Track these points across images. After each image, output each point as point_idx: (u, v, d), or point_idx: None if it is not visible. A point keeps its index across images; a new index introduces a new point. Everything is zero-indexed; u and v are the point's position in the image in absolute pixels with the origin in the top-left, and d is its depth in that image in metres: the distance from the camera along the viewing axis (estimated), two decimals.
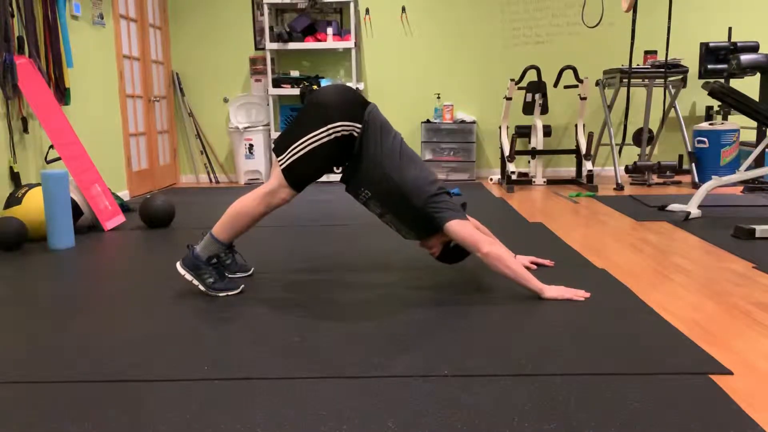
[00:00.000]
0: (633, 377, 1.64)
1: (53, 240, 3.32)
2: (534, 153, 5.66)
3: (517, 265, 2.31)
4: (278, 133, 6.15)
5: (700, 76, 5.83)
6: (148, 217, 3.87)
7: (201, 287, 2.40)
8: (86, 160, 3.99)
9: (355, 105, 2.38)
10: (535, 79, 5.62)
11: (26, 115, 3.89)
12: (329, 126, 2.32)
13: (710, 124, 5.59)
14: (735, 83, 5.75)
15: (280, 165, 2.36)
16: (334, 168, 2.48)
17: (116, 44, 5.19)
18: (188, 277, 2.40)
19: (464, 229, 2.33)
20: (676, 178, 5.76)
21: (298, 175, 2.37)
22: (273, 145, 2.42)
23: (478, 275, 2.67)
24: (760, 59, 4.88)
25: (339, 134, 2.33)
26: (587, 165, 5.37)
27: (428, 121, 6.19)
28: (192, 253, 2.40)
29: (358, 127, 2.35)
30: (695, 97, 6.20)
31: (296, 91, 6.01)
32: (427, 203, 2.35)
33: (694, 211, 3.84)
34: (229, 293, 2.42)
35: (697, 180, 5.42)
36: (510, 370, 1.69)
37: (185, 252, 2.44)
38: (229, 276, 2.63)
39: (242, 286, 2.47)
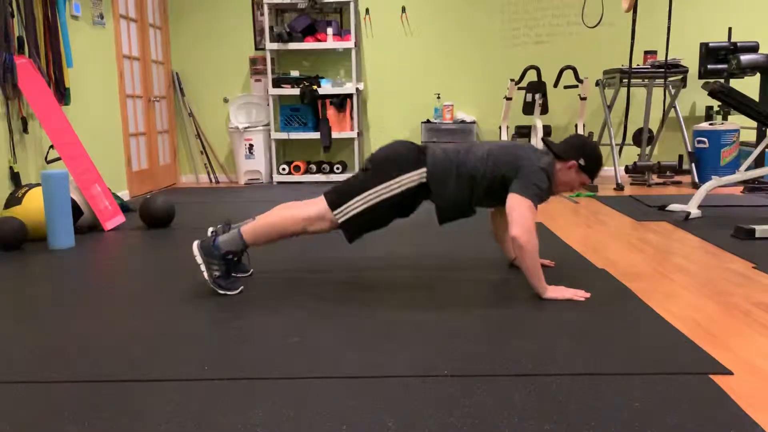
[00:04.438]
0: (633, 377, 1.64)
1: (53, 240, 3.32)
2: None
3: (533, 262, 2.29)
4: (278, 133, 6.18)
5: (700, 76, 5.83)
6: (148, 217, 3.87)
7: (205, 275, 2.39)
8: (86, 160, 3.99)
9: (415, 153, 2.42)
10: (535, 79, 5.62)
11: (26, 115, 3.89)
12: (398, 178, 2.37)
13: (710, 124, 5.59)
14: (735, 83, 5.74)
15: (338, 218, 2.39)
16: (398, 218, 2.50)
17: (116, 44, 5.19)
18: (199, 260, 2.38)
19: (518, 205, 2.30)
20: (676, 178, 5.76)
21: (360, 227, 2.42)
22: (327, 197, 2.43)
23: (478, 275, 2.68)
24: (760, 59, 4.88)
25: (405, 187, 2.38)
26: None
27: (428, 121, 6.19)
28: (213, 241, 2.40)
29: (424, 173, 2.39)
30: (695, 97, 6.20)
31: (296, 91, 6.01)
32: (517, 172, 2.35)
33: (694, 211, 3.84)
34: (229, 293, 2.41)
35: (697, 180, 5.42)
36: (510, 370, 1.69)
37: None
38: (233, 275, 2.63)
39: (242, 287, 2.47)
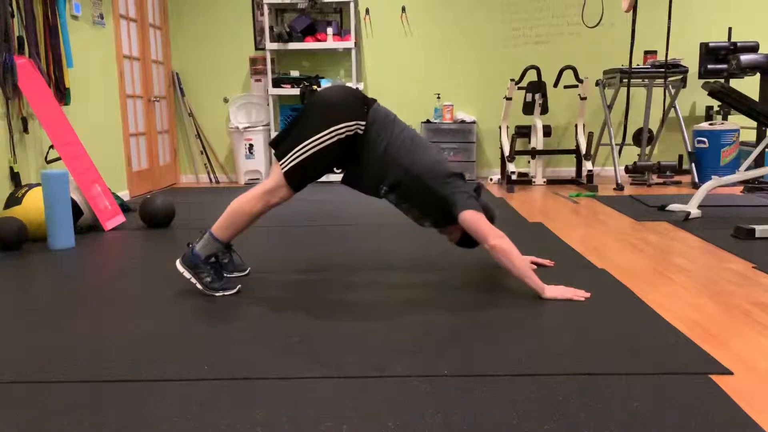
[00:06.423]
0: (633, 377, 1.64)
1: (53, 240, 3.32)
2: (534, 153, 5.66)
3: (521, 261, 2.31)
4: (277, 133, 6.17)
5: (700, 76, 5.83)
6: (148, 217, 3.87)
7: (199, 286, 2.41)
8: (86, 160, 3.99)
9: (358, 103, 2.38)
10: (535, 79, 5.62)
11: (26, 115, 3.89)
12: (332, 128, 2.32)
13: (710, 124, 5.59)
14: (735, 83, 5.75)
15: (282, 168, 2.36)
16: (335, 168, 2.48)
17: (116, 44, 5.18)
18: (187, 275, 2.41)
19: (476, 220, 2.31)
20: (676, 178, 5.76)
21: (301, 178, 2.38)
22: (273, 148, 2.43)
23: (477, 275, 2.68)
24: (760, 59, 4.88)
25: (343, 135, 2.33)
26: (587, 165, 5.37)
27: (428, 121, 6.19)
28: (191, 252, 2.41)
29: (362, 125, 2.36)
30: (695, 97, 6.20)
31: (296, 91, 6.01)
32: (443, 188, 2.35)
33: (694, 211, 3.84)
34: (226, 293, 2.42)
35: (697, 180, 5.42)
36: (510, 370, 1.69)
37: (186, 251, 2.44)
38: (226, 275, 2.63)
39: (239, 286, 2.47)
